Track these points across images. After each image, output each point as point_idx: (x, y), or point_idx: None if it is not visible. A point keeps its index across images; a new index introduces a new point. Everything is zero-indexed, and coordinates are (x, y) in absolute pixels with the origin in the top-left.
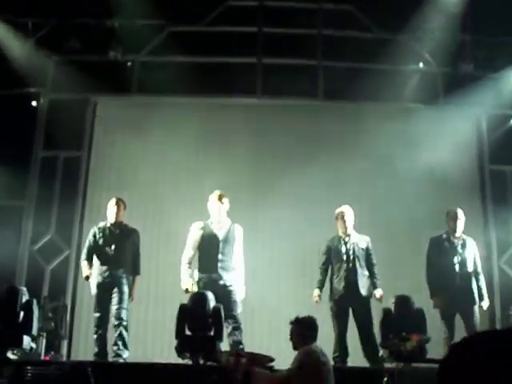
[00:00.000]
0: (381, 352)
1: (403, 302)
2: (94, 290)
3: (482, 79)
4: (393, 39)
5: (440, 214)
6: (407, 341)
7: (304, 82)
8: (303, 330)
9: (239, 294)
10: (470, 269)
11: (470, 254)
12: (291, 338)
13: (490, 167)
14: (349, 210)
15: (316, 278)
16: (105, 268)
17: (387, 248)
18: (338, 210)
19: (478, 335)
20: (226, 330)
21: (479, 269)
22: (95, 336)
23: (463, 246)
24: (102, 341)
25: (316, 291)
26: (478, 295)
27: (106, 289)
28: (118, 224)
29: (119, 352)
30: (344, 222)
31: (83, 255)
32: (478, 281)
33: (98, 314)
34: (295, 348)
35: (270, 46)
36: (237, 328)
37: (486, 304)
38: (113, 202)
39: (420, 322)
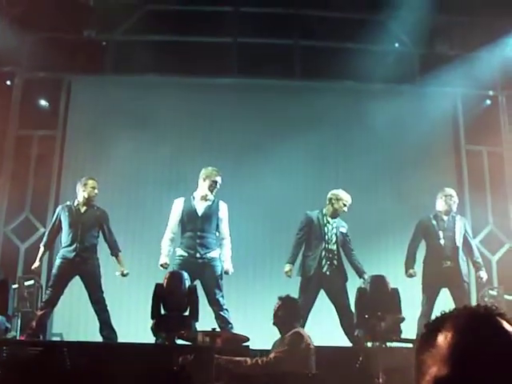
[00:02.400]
0: (356, 332)
1: (378, 281)
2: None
3: (458, 59)
4: (369, 19)
5: (416, 194)
6: (382, 320)
7: (281, 62)
8: (290, 309)
9: (224, 269)
10: (459, 245)
11: (460, 230)
12: (276, 314)
13: (466, 147)
14: (350, 199)
15: None
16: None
17: (361, 228)
18: (340, 194)
19: (455, 311)
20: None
21: (472, 244)
22: None
23: (452, 222)
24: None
25: (288, 266)
26: (475, 268)
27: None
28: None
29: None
30: (338, 206)
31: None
32: (472, 256)
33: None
34: (275, 324)
35: (247, 25)
36: (221, 310)
37: (484, 275)
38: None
39: (395, 301)
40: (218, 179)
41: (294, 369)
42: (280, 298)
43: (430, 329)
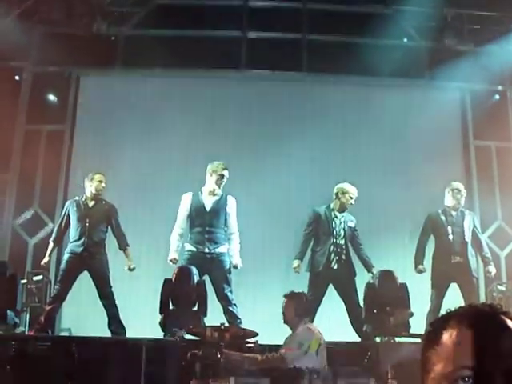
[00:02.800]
0: (365, 327)
1: (387, 276)
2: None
3: (467, 54)
4: (378, 13)
5: (424, 189)
6: (391, 315)
7: (289, 56)
8: (297, 305)
9: (233, 263)
10: (468, 240)
11: (469, 225)
12: (284, 312)
13: (474, 142)
14: (356, 192)
15: None
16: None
17: (370, 223)
18: (345, 187)
19: (460, 309)
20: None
21: (481, 239)
22: None
23: (461, 217)
24: None
25: (296, 262)
26: (484, 263)
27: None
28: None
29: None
30: (350, 203)
31: None
32: (481, 251)
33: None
34: (286, 322)
35: (256, 19)
36: (230, 305)
37: (492, 270)
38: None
39: (403, 296)
40: (225, 173)
41: (305, 364)
42: (285, 296)
43: (435, 327)
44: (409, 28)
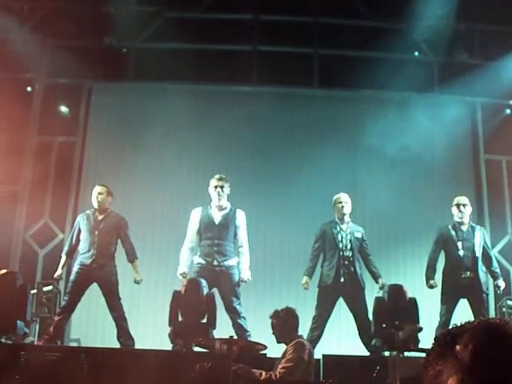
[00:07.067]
0: (373, 341)
1: (396, 291)
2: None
3: (478, 68)
4: (389, 28)
5: (434, 204)
6: (400, 330)
7: (300, 70)
8: (284, 322)
9: (241, 277)
10: (479, 255)
11: (479, 240)
12: (274, 332)
13: (485, 157)
14: (347, 197)
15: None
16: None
17: (380, 237)
18: (336, 196)
19: (471, 322)
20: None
21: (491, 254)
22: None
23: (470, 233)
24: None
25: (305, 278)
26: (493, 278)
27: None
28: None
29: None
30: (342, 208)
31: None
32: (490, 266)
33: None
34: (279, 342)
35: (267, 33)
36: (239, 318)
37: (501, 284)
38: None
39: (413, 311)
40: (220, 183)
41: (301, 377)
42: (270, 317)
43: (446, 340)
44: (420, 42)
